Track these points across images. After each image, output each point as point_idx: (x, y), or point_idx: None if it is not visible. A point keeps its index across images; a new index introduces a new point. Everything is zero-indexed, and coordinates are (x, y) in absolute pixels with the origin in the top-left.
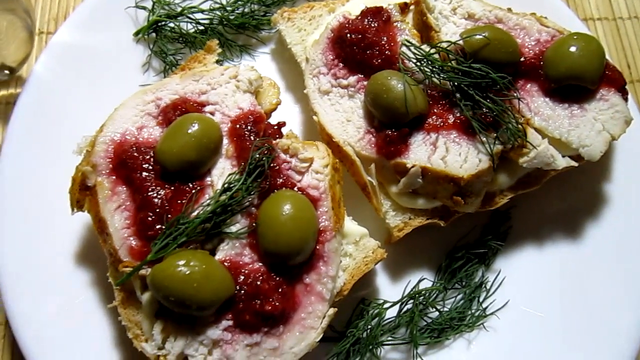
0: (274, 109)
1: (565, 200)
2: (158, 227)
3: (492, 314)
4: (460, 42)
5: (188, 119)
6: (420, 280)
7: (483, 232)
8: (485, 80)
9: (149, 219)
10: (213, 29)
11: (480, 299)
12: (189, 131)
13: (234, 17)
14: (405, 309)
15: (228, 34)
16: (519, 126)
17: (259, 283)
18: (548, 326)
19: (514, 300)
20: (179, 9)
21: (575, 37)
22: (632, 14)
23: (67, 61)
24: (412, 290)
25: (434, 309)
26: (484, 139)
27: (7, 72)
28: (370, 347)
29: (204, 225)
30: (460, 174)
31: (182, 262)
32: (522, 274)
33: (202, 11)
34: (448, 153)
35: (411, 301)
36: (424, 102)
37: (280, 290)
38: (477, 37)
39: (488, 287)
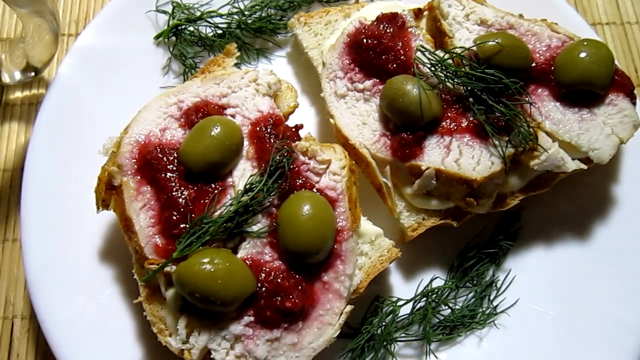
0: (292, 112)
1: (574, 201)
2: (182, 226)
3: (502, 311)
4: (474, 48)
5: (211, 122)
6: (432, 279)
7: (494, 232)
8: (497, 85)
9: (174, 218)
10: (231, 32)
11: (491, 297)
12: (212, 133)
13: (251, 22)
14: (418, 306)
15: (246, 38)
16: (531, 130)
17: (279, 280)
18: (557, 324)
19: (523, 299)
20: (199, 14)
21: (585, 43)
22: (639, 19)
23: (90, 63)
24: (425, 288)
25: (446, 307)
26: (497, 142)
27: (32, 73)
28: (385, 343)
29: (227, 224)
30: (473, 176)
31: (206, 260)
32: (531, 273)
33: (220, 15)
34: (461, 156)
35: (424, 299)
36: (438, 106)
37: (299, 287)
38: (490, 43)
39: (498, 285)
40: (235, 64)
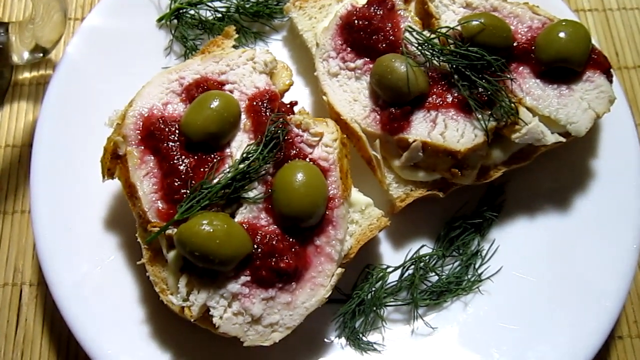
0: (287, 90)
1: (556, 175)
2: (183, 191)
3: (487, 278)
4: (459, 27)
5: (210, 95)
6: (420, 248)
7: (479, 204)
8: (480, 62)
9: (175, 184)
10: (230, 16)
11: (476, 266)
12: (211, 106)
13: (249, 6)
14: (407, 273)
15: (244, 22)
16: (512, 105)
17: (274, 243)
18: (538, 290)
19: (506, 267)
20: None
21: (564, 23)
22: (620, 6)
23: (96, 44)
24: (413, 256)
25: (434, 274)
26: (480, 116)
27: (40, 54)
28: (375, 307)
29: (225, 190)
30: (457, 148)
31: (205, 222)
32: (514, 243)
33: (220, 0)
34: (446, 129)
35: (412, 266)
36: (424, 82)
37: (293, 249)
38: (474, 22)
39: (483, 254)
40: (234, 46)
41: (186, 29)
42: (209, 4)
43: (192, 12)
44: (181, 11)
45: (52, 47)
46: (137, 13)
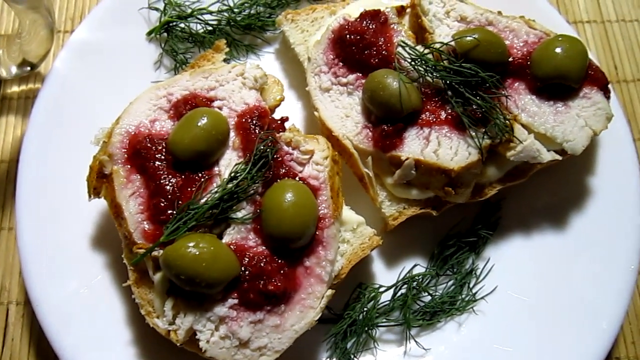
0: (278, 105)
1: (553, 193)
2: (169, 212)
3: (481, 298)
4: (452, 43)
5: (198, 113)
6: (413, 267)
7: (474, 222)
8: (474, 78)
9: (162, 204)
10: (221, 29)
11: (470, 285)
12: (199, 124)
13: (240, 19)
14: (399, 293)
15: (235, 34)
16: (507, 122)
17: (262, 264)
18: (533, 310)
19: (501, 286)
20: (189, 11)
21: (560, 38)
22: (619, 17)
23: (84, 58)
24: (406, 275)
25: (427, 294)
26: (474, 134)
27: (27, 68)
28: (366, 328)
29: (212, 211)
30: (451, 166)
31: (192, 244)
32: (510, 262)
33: (210, 12)
34: (440, 147)
35: (405, 286)
36: (417, 98)
37: (282, 271)
38: (468, 38)
39: (478, 273)
40: (225, 60)
41: (176, 42)
42: (200, 17)
43: (182, 25)
44: (171, 24)
45: (39, 61)
46: (127, 26)
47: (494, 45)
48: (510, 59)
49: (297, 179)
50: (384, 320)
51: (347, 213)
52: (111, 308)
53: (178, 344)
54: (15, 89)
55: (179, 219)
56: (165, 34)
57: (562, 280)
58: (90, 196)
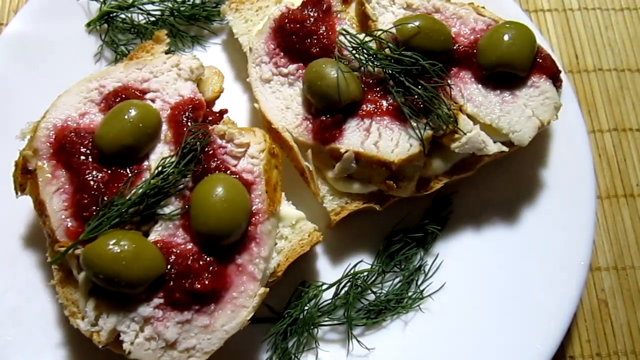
0: (217, 97)
1: (505, 187)
2: (94, 208)
3: (428, 296)
4: (394, 30)
5: (126, 106)
6: (357, 263)
7: (423, 216)
8: (415, 67)
9: (85, 201)
10: (164, 20)
11: (418, 282)
12: (126, 117)
13: (184, 9)
14: (343, 291)
15: (180, 25)
16: (450, 112)
17: (189, 262)
18: (483, 308)
19: (450, 283)
20: (131, 0)
21: (507, 25)
22: (581, 6)
23: (20, 50)
24: (348, 272)
25: (371, 292)
26: (415, 125)
27: None
28: (308, 327)
29: (137, 207)
30: (391, 159)
31: (112, 242)
32: (460, 258)
33: (153, 2)
34: (380, 138)
35: (348, 283)
36: (357, 89)
37: (211, 269)
38: (409, 25)
39: (426, 270)
40: (167, 51)
41: (117, 33)
42: (142, 7)
43: (123, 15)
44: (112, 15)
45: None
46: (65, 17)
47: (436, 32)
48: (456, 47)
49: (228, 172)
50: (327, 319)
51: (287, 208)
52: (41, 309)
53: (100, 347)
54: None
55: (101, 216)
56: (105, 25)
57: (512, 276)
58: (17, 193)
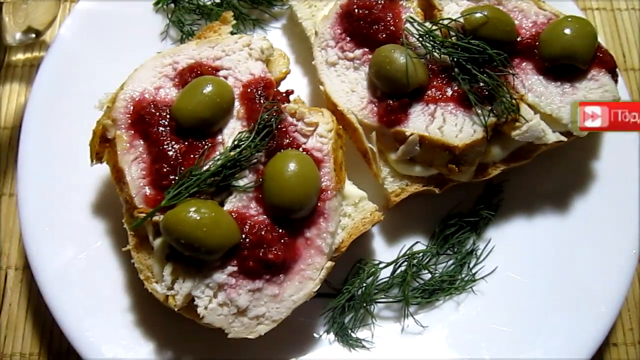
0: (284, 78)
1: (556, 176)
2: (171, 177)
3: (480, 278)
4: (461, 19)
5: (203, 80)
6: (414, 244)
7: (476, 202)
8: (482, 56)
9: (164, 170)
10: (228, 2)
11: (470, 265)
12: (204, 91)
13: None
14: (399, 270)
15: (243, 8)
16: (513, 101)
17: (263, 233)
18: (532, 292)
19: (501, 267)
20: None
21: (569, 19)
22: (629, 6)
23: (90, 27)
24: (406, 252)
25: (427, 272)
26: (479, 111)
27: (33, 35)
28: (365, 304)
29: (214, 178)
30: (455, 143)
31: (193, 209)
32: (510, 243)
33: None
34: (445, 123)
35: (405, 263)
36: (424, 74)
37: (282, 241)
38: (477, 15)
39: (478, 254)
40: (231, 33)
41: (183, 13)
42: None
43: None
44: None
45: (45, 29)
46: None
47: (502, 23)
48: (519, 39)
49: (300, 149)
50: (383, 296)
51: (350, 188)
52: (110, 274)
53: (176, 310)
54: (20, 56)
55: (180, 185)
56: (172, 5)
57: (562, 263)
58: (92, 161)
